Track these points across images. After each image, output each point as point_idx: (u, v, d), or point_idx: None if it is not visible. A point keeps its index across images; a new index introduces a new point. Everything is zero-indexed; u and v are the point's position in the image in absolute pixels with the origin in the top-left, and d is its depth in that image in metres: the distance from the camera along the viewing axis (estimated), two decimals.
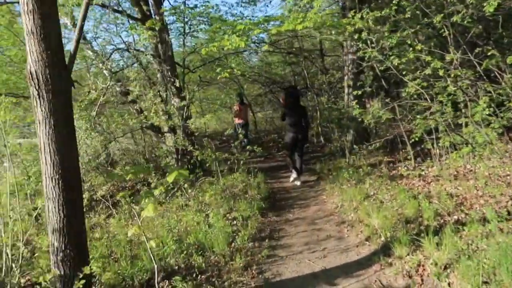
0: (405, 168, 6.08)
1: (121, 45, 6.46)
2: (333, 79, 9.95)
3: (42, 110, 2.33)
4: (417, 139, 5.46)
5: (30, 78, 2.29)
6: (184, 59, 7.41)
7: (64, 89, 2.40)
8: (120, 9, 6.46)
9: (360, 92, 6.70)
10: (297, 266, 3.66)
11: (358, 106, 6.11)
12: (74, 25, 8.00)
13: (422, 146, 5.99)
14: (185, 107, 6.98)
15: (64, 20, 7.87)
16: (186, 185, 5.95)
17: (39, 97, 2.32)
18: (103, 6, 6.20)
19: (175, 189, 5.84)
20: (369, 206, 4.75)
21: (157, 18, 6.63)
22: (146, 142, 7.96)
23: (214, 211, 4.97)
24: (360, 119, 6.30)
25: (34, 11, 2.21)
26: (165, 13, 6.85)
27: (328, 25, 6.49)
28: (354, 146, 6.82)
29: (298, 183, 6.81)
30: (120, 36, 8.47)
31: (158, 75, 7.23)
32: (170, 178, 2.56)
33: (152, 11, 6.81)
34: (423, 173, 5.78)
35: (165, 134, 7.21)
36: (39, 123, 2.34)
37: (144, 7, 6.82)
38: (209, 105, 15.75)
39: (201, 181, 5.98)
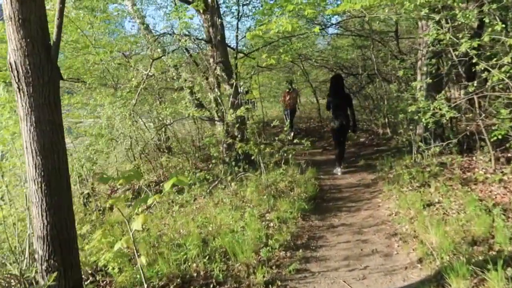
0: (483, 171, 5.14)
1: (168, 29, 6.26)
2: (404, 64, 8.89)
3: (22, 106, 2.11)
4: (500, 137, 4.55)
5: (10, 69, 2.08)
6: (237, 43, 7.06)
7: (47, 81, 2.15)
8: None
9: (430, 80, 5.78)
10: (328, 287, 3.15)
11: (427, 97, 5.27)
12: (136, 10, 8.07)
13: (507, 145, 5.00)
14: (237, 94, 6.65)
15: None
16: (229, 178, 5.65)
17: (19, 91, 2.10)
18: None
19: (217, 181, 5.58)
20: (429, 217, 4.03)
21: (209, 0, 6.32)
22: (198, 129, 7.79)
23: (251, 210, 4.59)
24: (432, 112, 5.45)
25: None
26: None
27: (397, 3, 5.65)
28: (421, 143, 5.95)
29: (339, 172, 6.77)
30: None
31: (211, 61, 6.96)
32: (167, 185, 2.22)
33: None
34: (504, 178, 4.82)
35: (216, 122, 6.97)
36: (21, 119, 2.12)
37: None
38: (271, 90, 15.32)
39: (241, 175, 5.61)
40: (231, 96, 6.19)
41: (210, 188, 5.63)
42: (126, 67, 6.53)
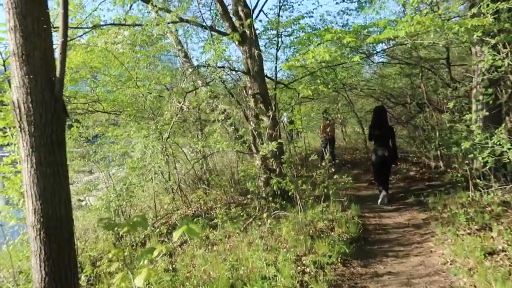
0: None
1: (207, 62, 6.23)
2: (457, 93, 8.27)
3: (24, 146, 2.00)
4: None
5: (13, 107, 2.00)
6: (276, 73, 6.91)
7: (50, 119, 2.03)
8: (205, 24, 6.25)
9: (487, 113, 5.23)
10: None
11: (484, 130, 4.73)
12: (179, 43, 8.25)
13: None
14: (275, 126, 6.45)
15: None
16: (265, 215, 5.35)
17: (20, 130, 1.99)
18: (184, 21, 6.04)
19: (251, 219, 5.30)
20: (492, 268, 3.47)
21: (247, 31, 6.27)
22: (238, 161, 7.63)
23: (284, 253, 4.23)
24: (491, 147, 4.89)
25: (15, 28, 1.91)
26: (256, 26, 6.45)
27: (446, 27, 5.25)
28: (479, 180, 5.34)
29: (383, 203, 6.60)
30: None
31: (249, 92, 6.85)
32: (176, 234, 1.99)
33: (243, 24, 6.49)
34: None
35: (254, 155, 6.76)
36: (22, 160, 2.02)
37: (237, 22, 6.53)
38: (315, 121, 14.98)
39: (276, 212, 5.28)
40: (267, 128, 5.96)
41: (245, 225, 5.35)
42: (166, 100, 6.58)
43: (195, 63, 7.79)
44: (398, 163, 8.04)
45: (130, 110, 7.47)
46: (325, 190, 5.59)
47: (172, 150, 6.90)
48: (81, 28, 5.55)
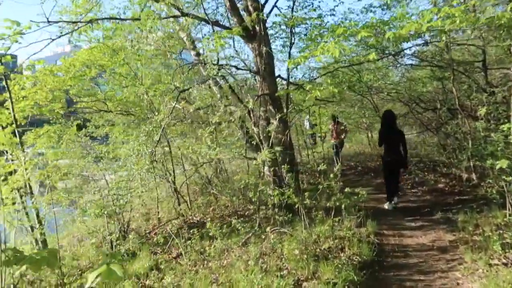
0: None
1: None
2: (493, 98, 7.42)
3: None
4: None
5: None
6: (288, 73, 6.34)
7: None
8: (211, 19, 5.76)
9: None
10: None
11: None
12: (193, 42, 7.82)
13: None
14: (285, 130, 5.90)
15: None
16: (268, 228, 4.80)
17: None
18: (184, 15, 5.55)
19: (250, 234, 4.76)
20: None
21: (257, 28, 5.76)
22: (248, 167, 7.10)
23: (281, 280, 3.67)
24: None
25: None
26: (268, 22, 5.92)
27: (480, 23, 4.53)
28: None
29: (390, 207, 6.71)
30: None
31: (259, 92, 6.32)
32: (90, 279, 1.49)
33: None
34: None
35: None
36: None
37: (247, 18, 6.03)
38: None
39: (275, 229, 4.70)
40: (273, 132, 5.40)
41: (244, 239, 4.82)
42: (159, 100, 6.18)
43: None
44: (408, 167, 7.77)
45: (139, 110, 7.12)
46: (337, 204, 4.96)
47: (175, 153, 6.46)
48: (78, 22, 5.21)
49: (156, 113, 5.50)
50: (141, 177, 4.99)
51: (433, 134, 10.93)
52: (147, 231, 6.33)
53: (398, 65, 10.62)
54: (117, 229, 5.61)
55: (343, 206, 4.87)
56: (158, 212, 6.72)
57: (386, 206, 6.78)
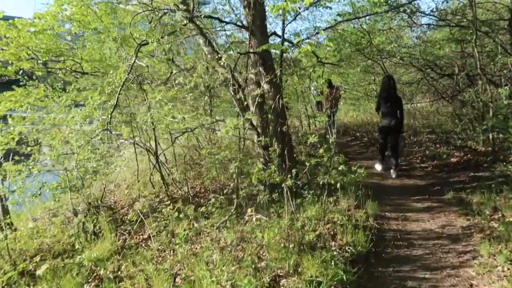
0: None
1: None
2: None
3: None
4: None
5: None
6: (283, 29, 5.44)
7: None
8: None
9: None
10: None
11: None
12: None
13: None
14: (276, 96, 5.11)
15: None
16: (250, 211, 4.12)
17: None
18: None
19: (228, 216, 4.10)
20: None
21: None
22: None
23: (259, 270, 3.02)
24: None
25: None
26: None
27: None
28: None
29: (379, 168, 7.00)
30: None
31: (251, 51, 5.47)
32: None
33: None
34: None
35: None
36: None
37: None
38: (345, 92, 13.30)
39: (251, 215, 4.01)
40: (258, 97, 4.60)
41: (219, 223, 4.17)
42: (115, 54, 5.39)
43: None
44: (403, 132, 7.66)
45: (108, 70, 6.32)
46: (332, 182, 4.23)
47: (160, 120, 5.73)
48: None
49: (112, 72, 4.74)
50: (93, 148, 4.30)
51: (448, 103, 9.99)
52: (123, 207, 5.73)
53: (413, 25, 9.50)
54: (84, 204, 5.00)
55: (338, 185, 4.13)
56: (139, 186, 6.09)
57: (376, 167, 7.05)
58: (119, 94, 4.14)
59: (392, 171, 6.67)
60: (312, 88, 15.13)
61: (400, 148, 8.36)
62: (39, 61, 6.46)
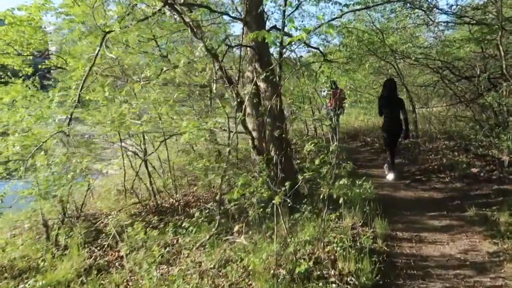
0: None
1: None
2: None
3: None
4: None
5: None
6: (284, 21, 4.84)
7: None
8: None
9: None
10: None
11: None
12: None
13: None
14: (273, 95, 4.54)
15: None
16: (236, 228, 3.55)
17: None
18: None
19: (209, 236, 3.53)
20: None
21: None
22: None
23: None
24: None
25: None
26: None
27: None
28: None
29: (390, 178, 6.55)
30: None
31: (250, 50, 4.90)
32: None
33: None
34: None
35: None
36: None
37: None
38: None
39: (230, 238, 3.41)
40: (254, 98, 4.03)
41: (199, 244, 3.60)
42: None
43: None
44: (409, 136, 7.14)
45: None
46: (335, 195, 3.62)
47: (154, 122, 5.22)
48: None
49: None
50: (46, 154, 3.75)
51: (467, 107, 9.25)
52: (107, 216, 5.21)
53: (430, 23, 8.80)
54: (60, 215, 4.49)
55: (341, 200, 3.53)
56: (125, 193, 5.56)
57: (388, 177, 6.59)
58: (81, 90, 3.61)
59: (390, 174, 6.57)
60: (324, 91, 14.55)
61: (415, 154, 7.71)
62: (26, 57, 6.03)
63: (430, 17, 8.65)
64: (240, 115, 3.96)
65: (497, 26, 6.40)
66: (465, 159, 6.85)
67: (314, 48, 5.93)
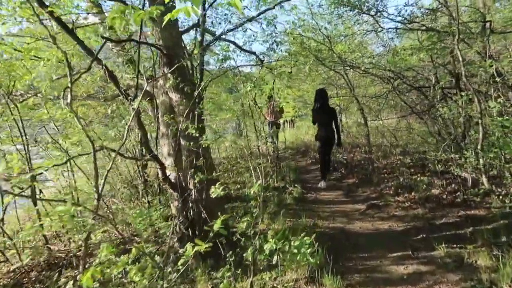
0: None
1: None
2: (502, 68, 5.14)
3: None
4: None
5: None
6: (204, 15, 3.75)
7: None
8: None
9: None
10: None
11: None
12: None
13: None
14: (194, 108, 3.42)
15: None
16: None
17: None
18: None
19: None
20: None
21: None
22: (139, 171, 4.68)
23: None
24: None
25: None
26: None
27: None
28: None
29: (322, 186, 6.71)
30: None
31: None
32: None
33: None
34: None
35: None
36: None
37: None
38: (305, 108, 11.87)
39: None
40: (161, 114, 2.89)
41: None
42: None
43: None
44: (341, 145, 7.35)
45: None
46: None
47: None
48: None
49: None
50: None
51: (420, 119, 8.63)
52: None
53: (379, 30, 8.14)
54: None
55: (275, 258, 2.44)
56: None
57: (320, 185, 6.77)
58: None
59: (322, 182, 6.75)
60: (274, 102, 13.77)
61: (368, 173, 6.92)
62: None
63: (379, 23, 8.01)
64: (135, 135, 2.79)
65: (452, 29, 5.74)
66: (423, 177, 6.08)
67: (248, 51, 4.85)
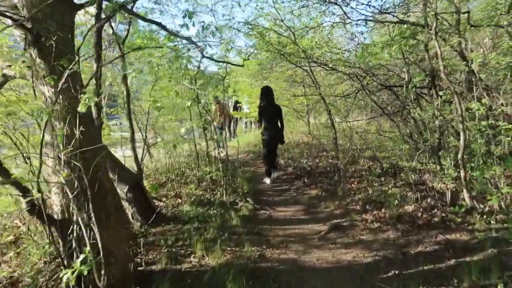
0: None
1: None
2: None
3: None
4: None
5: None
6: None
7: None
8: None
9: None
10: None
11: None
12: None
13: None
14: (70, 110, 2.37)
15: None
16: None
17: None
18: None
19: None
20: None
21: None
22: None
23: None
24: None
25: None
26: None
27: None
28: None
29: (267, 182, 6.82)
30: None
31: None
32: None
33: None
34: None
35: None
36: None
37: None
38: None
39: None
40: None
41: None
42: None
43: None
44: (284, 142, 7.06)
45: None
46: None
47: None
48: None
49: None
50: None
51: (392, 122, 7.83)
52: None
53: (348, 21, 7.27)
54: None
55: None
56: None
57: (266, 181, 6.87)
58: None
59: (268, 179, 6.86)
60: (230, 102, 12.95)
61: (334, 183, 6.06)
62: None
63: (347, 14, 7.15)
64: None
65: (428, 18, 4.94)
66: (395, 189, 5.25)
67: (180, 36, 3.83)
